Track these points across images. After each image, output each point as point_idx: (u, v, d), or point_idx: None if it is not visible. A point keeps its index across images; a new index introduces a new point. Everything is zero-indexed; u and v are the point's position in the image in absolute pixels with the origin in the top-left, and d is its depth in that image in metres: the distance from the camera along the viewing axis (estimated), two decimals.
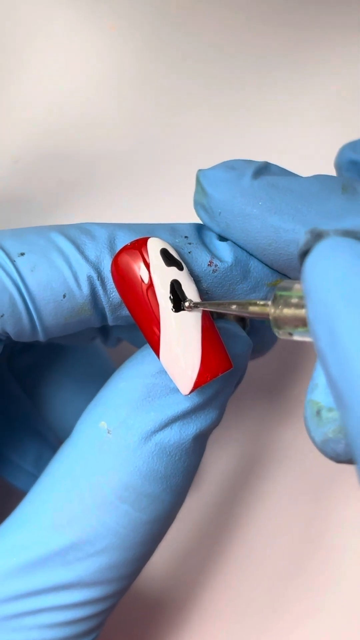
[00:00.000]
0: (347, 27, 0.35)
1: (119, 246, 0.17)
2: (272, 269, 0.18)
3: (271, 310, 0.14)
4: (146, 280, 0.16)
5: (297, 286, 0.14)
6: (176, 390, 0.17)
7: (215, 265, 0.17)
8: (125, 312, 0.18)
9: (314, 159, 0.33)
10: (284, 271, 0.17)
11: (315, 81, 0.34)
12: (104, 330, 0.22)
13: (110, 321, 0.18)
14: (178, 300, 0.16)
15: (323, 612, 0.27)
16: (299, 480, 0.28)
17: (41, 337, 0.17)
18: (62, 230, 0.17)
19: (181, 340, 0.16)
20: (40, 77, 0.35)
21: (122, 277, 0.16)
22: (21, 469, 0.24)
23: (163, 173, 0.34)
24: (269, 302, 0.14)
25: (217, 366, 0.16)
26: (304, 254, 0.13)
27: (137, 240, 0.17)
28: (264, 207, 0.16)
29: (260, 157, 0.33)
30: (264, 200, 0.16)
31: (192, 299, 0.16)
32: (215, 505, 0.28)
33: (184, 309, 0.16)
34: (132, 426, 0.17)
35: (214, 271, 0.17)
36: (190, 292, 0.17)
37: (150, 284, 0.16)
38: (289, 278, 0.19)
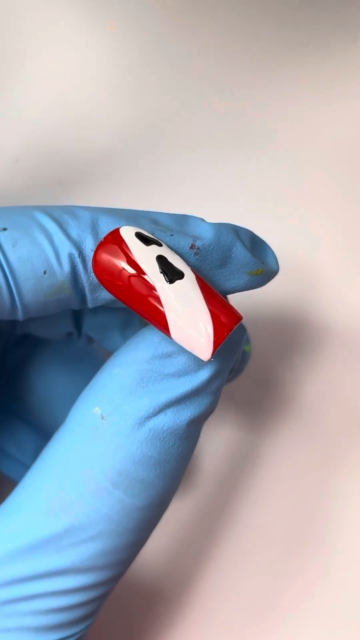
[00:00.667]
0: (349, 26, 0.35)
1: (102, 227, 0.17)
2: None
3: None
4: (132, 264, 0.16)
5: None
6: (170, 376, 0.17)
7: (197, 248, 0.18)
8: (105, 294, 0.18)
9: (315, 158, 0.33)
10: None
11: (316, 80, 0.34)
12: (78, 325, 0.22)
13: (90, 302, 0.18)
14: (169, 272, 0.16)
15: (320, 607, 0.27)
16: (298, 476, 0.28)
17: (20, 315, 0.17)
18: (46, 209, 0.18)
19: (186, 309, 0.16)
20: (40, 77, 0.35)
21: (108, 273, 0.16)
22: (19, 463, 0.24)
23: (163, 173, 0.34)
24: None
25: (229, 321, 0.16)
26: None
27: (108, 235, 0.17)
28: None
29: (260, 157, 0.33)
30: None
31: (183, 269, 0.16)
32: (213, 498, 0.28)
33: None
34: (126, 412, 0.17)
35: (195, 254, 0.17)
36: (177, 262, 0.17)
37: (138, 268, 0.16)
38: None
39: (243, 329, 0.19)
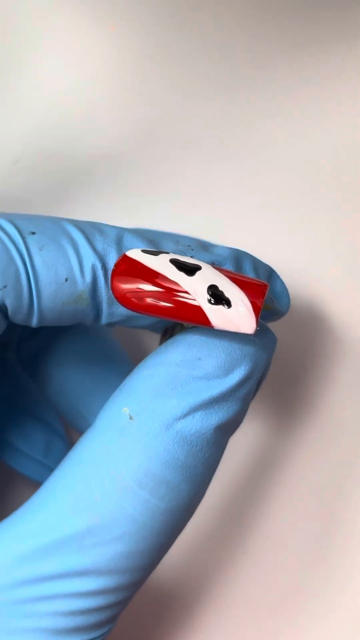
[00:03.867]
0: (350, 27, 0.35)
1: (126, 244, 0.18)
2: None
3: None
4: (151, 277, 0.17)
5: None
6: (200, 378, 0.17)
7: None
8: (121, 310, 0.18)
9: (315, 157, 0.34)
10: None
11: (318, 81, 0.35)
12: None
13: (105, 317, 0.18)
14: (187, 269, 0.17)
15: (330, 611, 0.27)
16: (314, 481, 0.28)
17: (35, 320, 0.18)
18: (74, 221, 0.18)
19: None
20: (40, 77, 0.35)
21: (132, 296, 0.17)
22: (30, 458, 0.24)
23: (164, 174, 0.34)
24: None
25: (259, 291, 0.17)
26: None
27: (118, 262, 0.17)
28: None
29: (262, 158, 0.33)
30: None
31: (198, 263, 0.17)
32: (225, 501, 0.28)
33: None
34: (154, 412, 0.17)
35: None
36: (190, 260, 0.17)
37: (158, 276, 0.17)
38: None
39: (274, 339, 0.19)
